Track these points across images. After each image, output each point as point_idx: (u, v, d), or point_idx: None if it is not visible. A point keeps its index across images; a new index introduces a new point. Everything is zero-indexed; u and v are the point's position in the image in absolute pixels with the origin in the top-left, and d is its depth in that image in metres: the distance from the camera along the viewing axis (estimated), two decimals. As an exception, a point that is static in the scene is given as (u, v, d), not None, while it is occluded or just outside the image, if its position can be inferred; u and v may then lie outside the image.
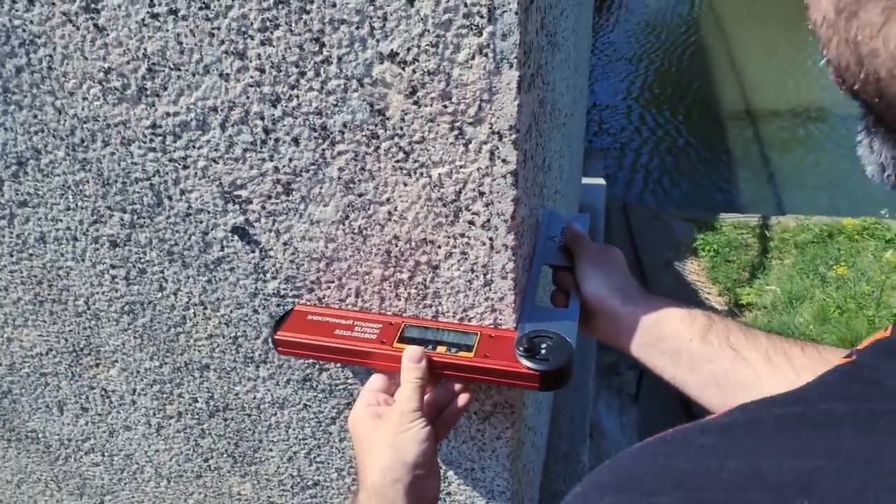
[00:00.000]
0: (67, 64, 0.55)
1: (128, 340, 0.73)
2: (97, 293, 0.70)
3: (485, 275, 0.57)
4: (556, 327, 0.58)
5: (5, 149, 0.62)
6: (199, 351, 0.71)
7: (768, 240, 3.00)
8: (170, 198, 0.61)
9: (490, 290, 0.58)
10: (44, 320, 0.74)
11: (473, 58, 0.47)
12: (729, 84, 4.82)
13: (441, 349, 0.57)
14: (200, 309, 0.68)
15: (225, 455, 0.81)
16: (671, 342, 0.59)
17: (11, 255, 0.70)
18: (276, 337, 0.60)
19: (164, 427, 0.80)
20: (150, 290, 0.68)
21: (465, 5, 0.45)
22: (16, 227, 0.68)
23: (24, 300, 0.73)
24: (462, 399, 0.58)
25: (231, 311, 0.67)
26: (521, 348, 0.56)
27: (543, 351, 0.56)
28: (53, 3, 0.53)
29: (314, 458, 0.77)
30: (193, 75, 0.53)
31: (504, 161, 0.51)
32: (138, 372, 0.76)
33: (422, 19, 0.46)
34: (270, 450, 0.78)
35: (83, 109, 0.57)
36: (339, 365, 0.67)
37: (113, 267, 0.67)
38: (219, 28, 0.50)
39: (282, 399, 0.72)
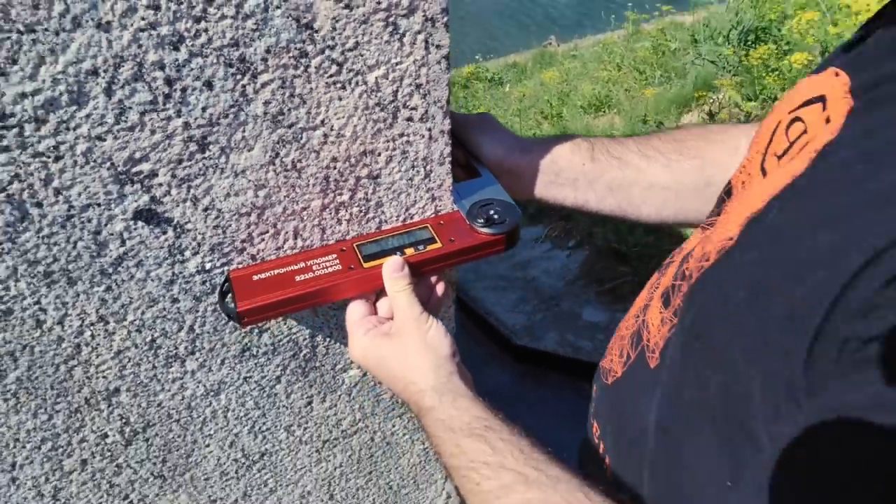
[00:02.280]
0: None
1: (-6, 409, 0.57)
2: (-65, 369, 0.52)
3: (425, 167, 0.58)
4: (491, 193, 0.63)
5: None
6: (104, 377, 0.59)
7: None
8: (39, 204, 0.47)
9: (430, 180, 0.60)
10: None
11: (406, -56, 0.46)
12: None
13: (409, 251, 0.58)
14: (101, 326, 0.56)
15: (150, 479, 0.70)
16: (569, 172, 0.68)
17: None
18: (239, 310, 0.54)
19: (62, 489, 0.66)
20: (23, 330, 0.53)
21: None
22: None
23: None
24: (440, 288, 0.61)
25: (143, 313, 0.56)
26: (479, 221, 0.60)
27: (496, 217, 0.61)
28: None
29: (259, 429, 0.72)
30: (57, 34, 0.41)
31: (438, 47, 0.51)
32: (16, 441, 0.60)
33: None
34: (207, 445, 0.70)
35: None
36: (281, 319, 0.63)
37: (-43, 325, 0.51)
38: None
39: (217, 384, 0.65)
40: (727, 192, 0.54)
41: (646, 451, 0.49)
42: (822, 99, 0.43)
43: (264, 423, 0.72)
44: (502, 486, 0.44)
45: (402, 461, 0.86)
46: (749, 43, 2.90)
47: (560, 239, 2.52)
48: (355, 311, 0.58)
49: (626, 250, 2.29)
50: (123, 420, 0.63)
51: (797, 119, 0.46)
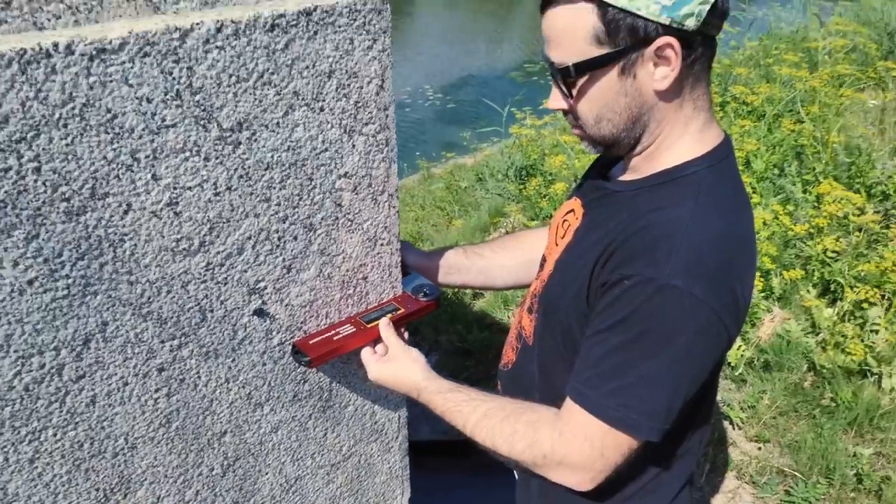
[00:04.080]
0: (147, 246, 0.80)
1: (159, 452, 0.92)
2: (138, 423, 0.88)
3: (389, 271, 1.08)
4: (420, 281, 1.13)
5: (74, 335, 0.78)
6: (219, 422, 0.97)
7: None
8: (211, 311, 0.89)
9: (391, 277, 1.09)
10: (77, 484, 0.85)
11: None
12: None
13: (388, 315, 1.06)
14: (225, 386, 0.95)
15: (231, 504, 1.05)
16: (455, 266, 1.22)
17: (55, 435, 0.81)
18: (311, 359, 0.97)
19: (181, 516, 0.99)
20: (187, 393, 0.91)
21: (379, 141, 0.96)
22: (67, 403, 0.81)
23: (59, 475, 0.83)
24: (405, 335, 1.08)
25: (247, 374, 0.97)
26: (420, 295, 1.10)
27: (428, 291, 1.11)
28: (143, 207, 0.77)
29: (296, 457, 1.10)
30: (238, 221, 0.86)
31: (394, 208, 1.03)
32: (165, 477, 0.94)
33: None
34: (266, 473, 1.07)
35: (154, 274, 0.81)
36: (316, 370, 1.05)
37: (157, 390, 0.88)
38: (240, 196, 0.86)
39: (277, 423, 1.04)
40: (542, 260, 1.10)
41: (534, 380, 1.00)
42: (572, 211, 1.02)
43: (299, 452, 1.10)
44: (479, 410, 0.92)
45: (377, 479, 1.27)
46: (523, 177, 3.79)
47: (417, 347, 3.01)
48: (367, 352, 1.03)
49: (468, 346, 2.85)
50: (224, 456, 1.00)
51: (565, 221, 1.03)
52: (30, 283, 0.72)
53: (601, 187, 0.96)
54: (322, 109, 0.88)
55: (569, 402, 0.85)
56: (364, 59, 0.89)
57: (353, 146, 0.94)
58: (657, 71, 0.79)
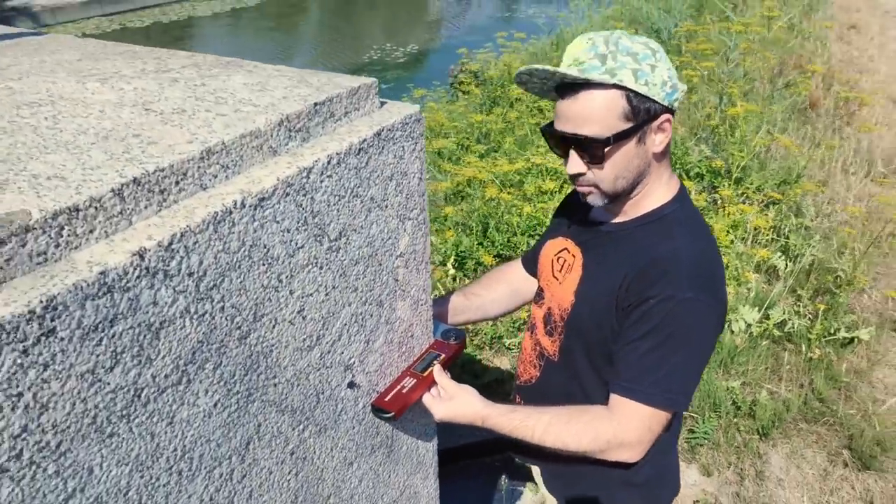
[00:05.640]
0: (285, 350, 0.92)
1: (290, 525, 1.03)
2: (277, 505, 0.99)
3: (427, 326, 1.26)
4: (444, 327, 1.33)
5: (241, 441, 0.89)
6: (327, 487, 1.10)
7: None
8: (323, 392, 1.02)
9: (428, 329, 1.28)
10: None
11: (422, 238, 1.17)
12: None
13: (435, 362, 1.25)
14: (330, 455, 1.08)
15: (333, 558, 1.17)
16: (459, 308, 1.44)
17: (226, 533, 0.91)
18: (393, 415, 1.13)
19: (302, 579, 1.10)
20: (308, 468, 1.04)
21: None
22: (235, 503, 0.91)
23: (228, 567, 0.93)
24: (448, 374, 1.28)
25: (344, 440, 1.11)
26: (452, 338, 1.30)
27: (455, 335, 1.31)
28: (284, 319, 0.90)
29: (372, 501, 1.25)
30: (339, 312, 1.01)
31: (427, 271, 1.22)
32: (293, 546, 1.05)
33: (411, 233, 1.13)
34: (354, 522, 1.21)
35: (290, 372, 0.94)
36: (378, 422, 1.21)
37: (289, 472, 1.00)
38: (340, 292, 1.02)
39: (361, 475, 1.19)
40: (539, 291, 1.35)
41: (562, 388, 1.25)
42: (566, 249, 1.28)
43: (374, 497, 1.26)
44: (542, 421, 1.15)
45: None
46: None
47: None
48: (427, 397, 1.21)
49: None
50: (329, 515, 1.13)
51: (559, 258, 1.29)
52: (215, 405, 0.83)
53: (593, 229, 1.24)
54: (387, 206, 1.06)
55: (617, 399, 1.12)
56: (411, 159, 1.08)
57: (405, 230, 1.12)
58: (657, 138, 1.09)
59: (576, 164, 1.12)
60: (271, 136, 0.88)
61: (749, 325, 2.87)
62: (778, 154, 4.25)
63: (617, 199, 1.16)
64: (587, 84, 1.06)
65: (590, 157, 1.10)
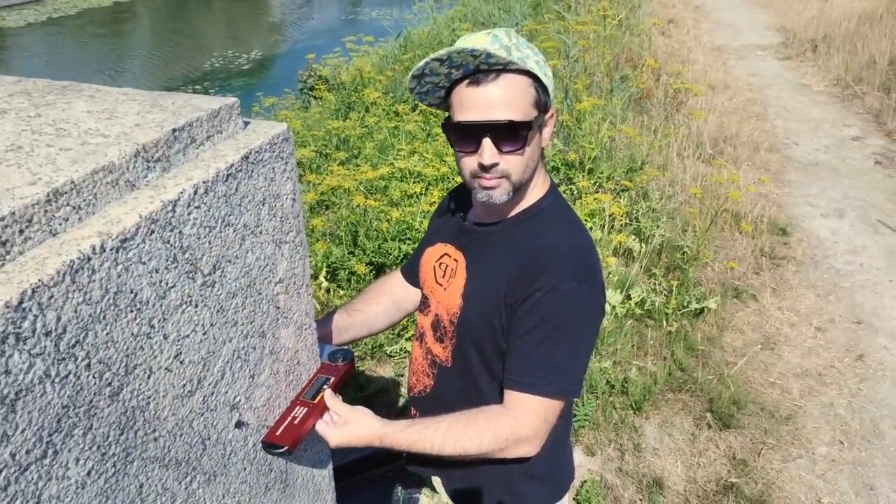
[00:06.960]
0: (164, 399, 0.85)
1: (185, 586, 0.95)
2: (169, 567, 0.91)
3: (313, 351, 1.22)
4: (330, 349, 1.29)
5: (122, 507, 0.80)
6: (222, 537, 1.02)
7: None
8: (209, 438, 0.95)
9: (314, 353, 1.23)
10: None
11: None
12: None
13: (326, 386, 1.20)
14: (222, 501, 1.01)
15: None
16: (343, 327, 1.40)
17: None
18: (286, 450, 1.08)
19: None
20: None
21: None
22: (121, 575, 0.82)
23: None
24: (340, 396, 1.24)
25: (236, 484, 1.04)
26: (340, 360, 1.26)
27: (342, 356, 1.27)
28: (160, 366, 0.83)
29: (271, 542, 1.18)
30: (219, 350, 0.94)
31: (308, 294, 1.17)
32: None
33: (289, 257, 1.08)
34: (254, 567, 1.14)
35: (171, 423, 0.86)
36: (271, 458, 1.15)
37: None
38: (219, 328, 0.95)
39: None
40: (424, 299, 1.34)
41: (458, 392, 1.25)
42: (447, 255, 1.28)
43: (273, 537, 1.19)
44: (440, 430, 1.14)
45: (321, 534, 1.39)
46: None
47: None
48: (321, 425, 1.17)
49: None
50: (227, 566, 1.06)
51: (441, 264, 1.29)
52: (89, 473, 0.75)
53: (472, 231, 1.25)
54: (261, 232, 1.00)
55: (512, 394, 1.13)
56: (282, 181, 1.03)
57: (283, 254, 1.07)
58: (546, 130, 1.13)
59: (491, 153, 1.10)
60: (127, 169, 0.80)
61: (614, 307, 3.05)
62: (622, 143, 4.56)
63: (518, 191, 1.17)
64: (505, 69, 1.06)
65: (510, 145, 1.09)
